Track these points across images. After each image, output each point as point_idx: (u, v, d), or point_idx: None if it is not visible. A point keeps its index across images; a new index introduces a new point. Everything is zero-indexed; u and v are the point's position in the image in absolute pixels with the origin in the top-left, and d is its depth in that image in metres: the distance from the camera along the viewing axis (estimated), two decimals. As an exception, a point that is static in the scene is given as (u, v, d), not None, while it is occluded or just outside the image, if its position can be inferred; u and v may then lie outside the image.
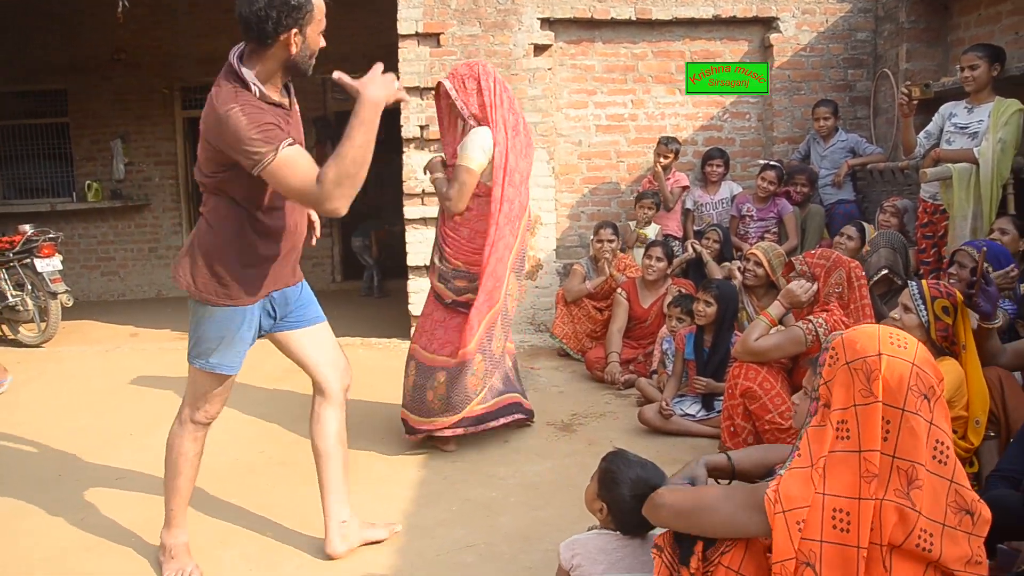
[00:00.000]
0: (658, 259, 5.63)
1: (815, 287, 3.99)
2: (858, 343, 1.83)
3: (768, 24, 7.15)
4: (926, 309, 3.30)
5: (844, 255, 4.33)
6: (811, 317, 3.86)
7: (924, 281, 3.41)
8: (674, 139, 6.85)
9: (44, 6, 9.57)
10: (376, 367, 6.13)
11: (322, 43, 2.74)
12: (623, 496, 2.38)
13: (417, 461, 4.16)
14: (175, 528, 3.08)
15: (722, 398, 4.11)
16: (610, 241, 6.03)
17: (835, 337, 1.91)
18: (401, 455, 4.24)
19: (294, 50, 2.65)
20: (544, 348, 6.64)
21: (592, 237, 6.28)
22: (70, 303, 7.43)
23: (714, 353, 4.55)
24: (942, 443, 1.79)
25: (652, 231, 6.53)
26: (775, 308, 3.96)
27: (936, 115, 5.27)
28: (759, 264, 4.76)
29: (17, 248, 7.31)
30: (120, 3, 6.56)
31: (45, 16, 9.87)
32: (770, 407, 3.81)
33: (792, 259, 4.37)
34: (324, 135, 10.06)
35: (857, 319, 3.86)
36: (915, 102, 5.20)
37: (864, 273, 4.14)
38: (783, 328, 3.97)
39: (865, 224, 5.60)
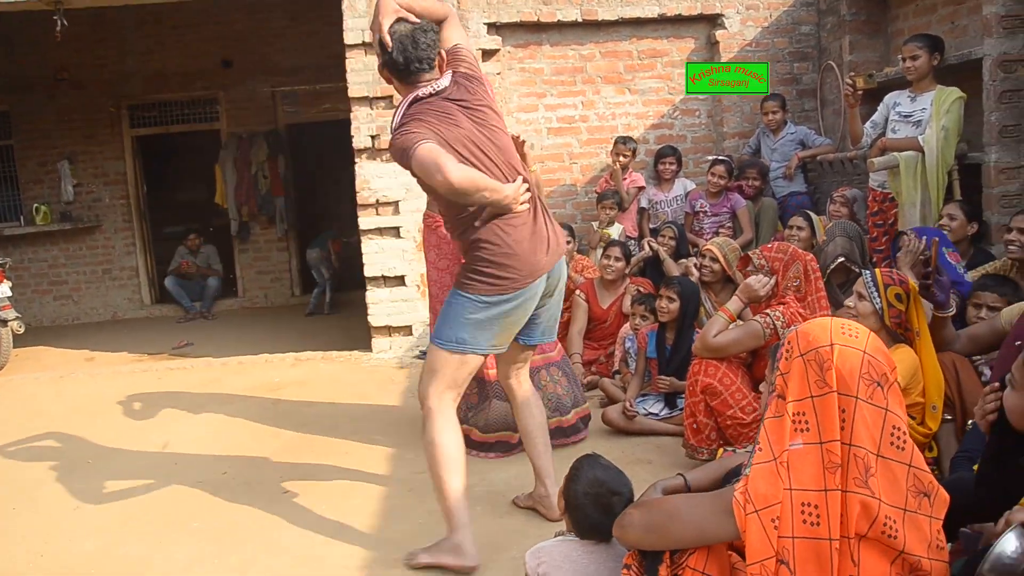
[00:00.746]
0: (616, 259, 5.62)
1: (773, 281, 4.00)
2: (811, 334, 1.86)
3: (713, 21, 7.21)
4: (879, 296, 3.36)
5: (798, 247, 4.37)
6: (768, 311, 3.88)
7: (877, 269, 3.47)
8: (630, 138, 6.90)
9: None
10: (339, 379, 6.08)
11: None
12: (577, 492, 2.42)
13: (380, 473, 4.12)
14: None
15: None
16: (566, 243, 6.01)
17: (793, 330, 1.94)
18: (365, 468, 4.20)
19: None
20: (506, 353, 6.60)
21: (549, 240, 6.26)
22: (21, 330, 7.29)
23: (676, 351, 4.56)
24: (899, 428, 1.81)
25: (615, 231, 6.53)
26: (733, 303, 3.97)
27: (881, 105, 5.35)
28: (715, 259, 4.80)
29: (-37, 276, 7.13)
30: (58, 21, 6.41)
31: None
32: (731, 402, 3.83)
33: (748, 252, 4.40)
34: (275, 149, 9.98)
35: (814, 311, 3.90)
36: (860, 92, 5.30)
37: (820, 263, 4.18)
38: (741, 323, 4.00)
39: (813, 214, 5.65)
